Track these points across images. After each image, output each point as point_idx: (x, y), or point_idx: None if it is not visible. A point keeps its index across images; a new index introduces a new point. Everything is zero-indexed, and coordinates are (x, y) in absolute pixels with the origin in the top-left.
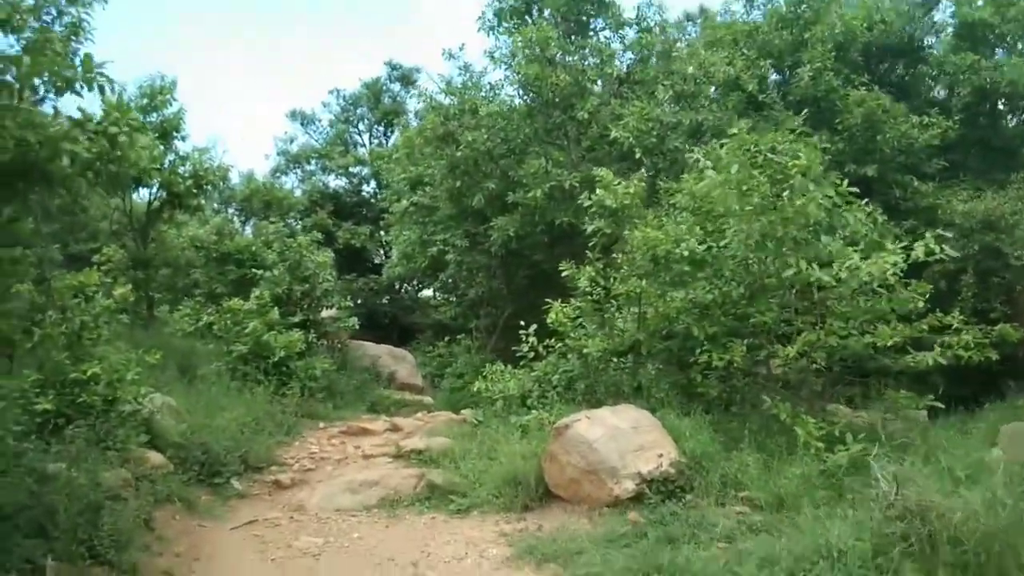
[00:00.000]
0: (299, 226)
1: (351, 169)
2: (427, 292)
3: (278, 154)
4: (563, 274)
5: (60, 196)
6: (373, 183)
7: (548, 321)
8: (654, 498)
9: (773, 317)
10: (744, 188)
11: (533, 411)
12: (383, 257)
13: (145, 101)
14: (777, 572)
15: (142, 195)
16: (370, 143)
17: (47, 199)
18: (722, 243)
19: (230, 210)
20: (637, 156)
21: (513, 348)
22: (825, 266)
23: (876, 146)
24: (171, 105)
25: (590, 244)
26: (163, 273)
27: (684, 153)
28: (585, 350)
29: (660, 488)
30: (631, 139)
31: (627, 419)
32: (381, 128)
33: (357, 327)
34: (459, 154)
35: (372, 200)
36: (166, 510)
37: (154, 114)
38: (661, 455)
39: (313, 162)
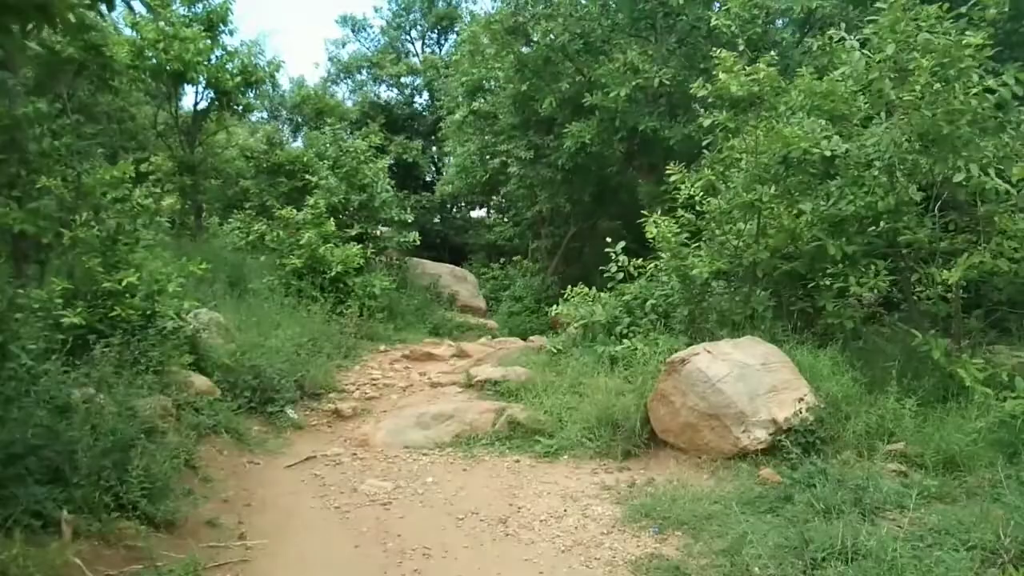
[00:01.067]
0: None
1: (403, 79)
2: (479, 212)
3: (329, 60)
4: (641, 188)
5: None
6: (426, 94)
7: (648, 236)
8: (793, 451)
9: (928, 234)
10: (897, 74)
11: (624, 340)
12: (435, 174)
13: None
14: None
15: (188, 99)
16: (423, 51)
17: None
18: (869, 142)
19: (280, 119)
20: (740, 49)
21: (574, 271)
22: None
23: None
24: None
25: (705, 144)
26: (212, 183)
27: (795, 47)
28: (693, 271)
29: (799, 439)
30: (733, 28)
31: (754, 354)
32: (435, 35)
33: (417, 243)
34: (528, 51)
35: (425, 113)
36: (212, 444)
37: (199, 4)
38: (802, 399)
39: (364, 71)
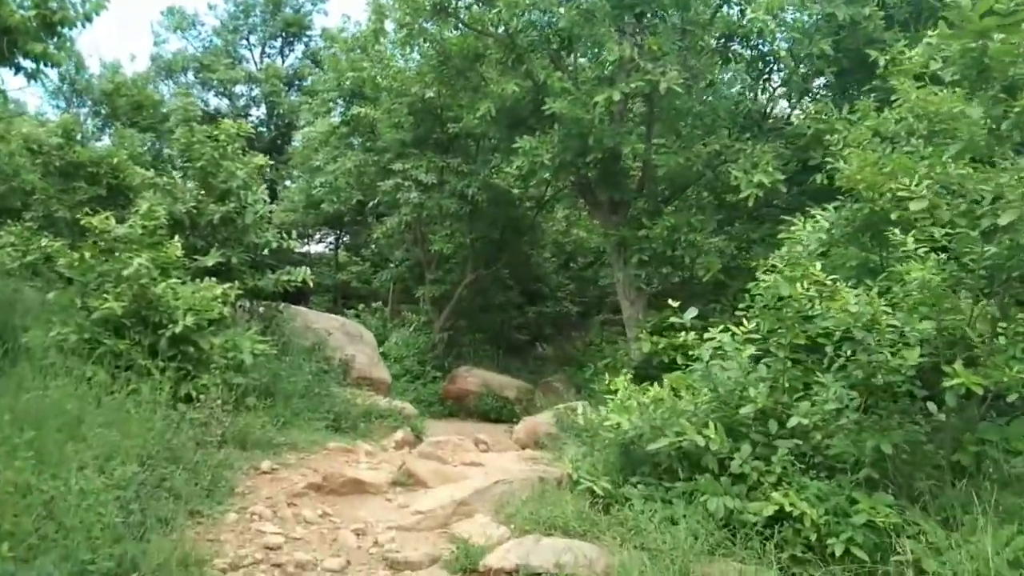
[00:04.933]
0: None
1: (237, 88)
2: (316, 246)
3: (151, 59)
4: (591, 229)
5: None
6: (264, 107)
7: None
8: None
9: None
10: None
11: (760, 490)
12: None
13: None
14: None
15: None
16: (262, 60)
17: None
18: None
19: (83, 109)
20: (780, 54)
21: (470, 327)
22: None
23: None
24: None
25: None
26: None
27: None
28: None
29: None
30: (770, 29)
31: None
32: (277, 43)
33: (310, 283)
34: (454, 37)
35: (262, 129)
36: None
37: None
38: None
39: (191, 73)
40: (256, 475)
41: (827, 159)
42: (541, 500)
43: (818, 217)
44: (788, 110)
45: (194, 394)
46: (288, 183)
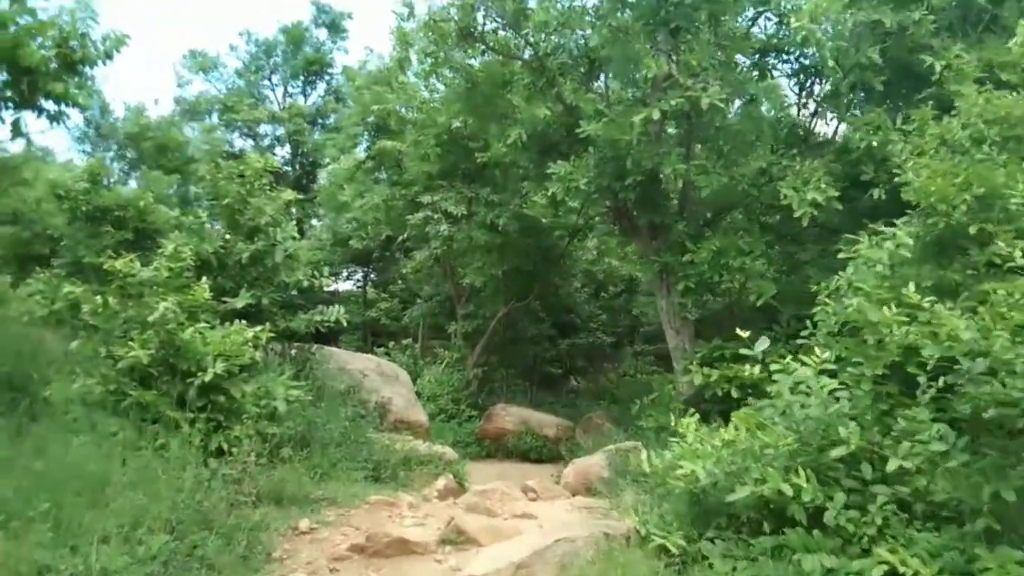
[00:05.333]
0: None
1: (261, 128)
2: (344, 283)
3: (175, 102)
4: (630, 256)
5: None
6: (288, 147)
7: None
8: None
9: None
10: None
11: (876, 547)
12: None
13: None
14: None
15: None
16: (284, 99)
17: None
18: None
19: (109, 153)
20: (829, 64)
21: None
22: None
23: None
24: None
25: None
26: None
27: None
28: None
29: None
30: (817, 38)
31: None
32: (299, 83)
33: (344, 322)
34: (478, 65)
35: (286, 167)
36: None
37: None
38: None
39: (215, 115)
40: (294, 536)
41: (881, 173)
42: (609, 561)
43: (894, 233)
44: (833, 123)
45: (226, 447)
46: (315, 221)
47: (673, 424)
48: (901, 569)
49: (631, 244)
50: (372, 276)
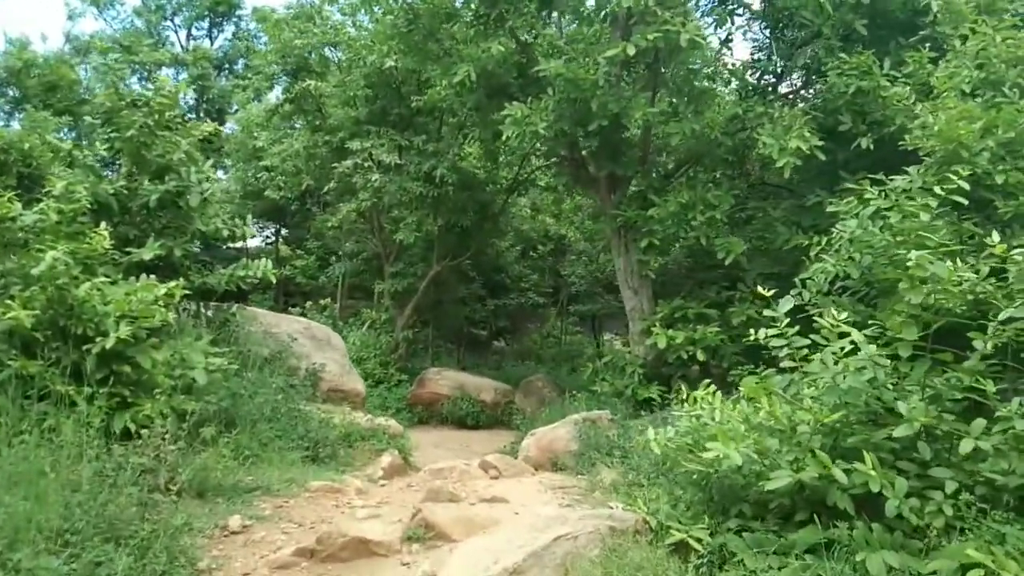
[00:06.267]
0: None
1: (163, 72)
2: (253, 240)
3: (65, 38)
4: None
5: None
6: (192, 93)
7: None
8: None
9: None
10: None
11: (948, 541)
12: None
13: None
14: None
15: None
16: (188, 42)
17: None
18: None
19: None
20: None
21: (434, 324)
22: None
23: None
24: None
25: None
26: None
27: None
28: None
29: None
30: None
31: None
32: (204, 24)
33: (274, 278)
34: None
35: (190, 115)
36: None
37: None
38: None
39: (112, 56)
40: (223, 537)
41: (859, 124)
42: (621, 562)
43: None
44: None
45: (134, 429)
46: (220, 173)
47: (630, 391)
48: (991, 566)
49: (582, 198)
50: (284, 232)
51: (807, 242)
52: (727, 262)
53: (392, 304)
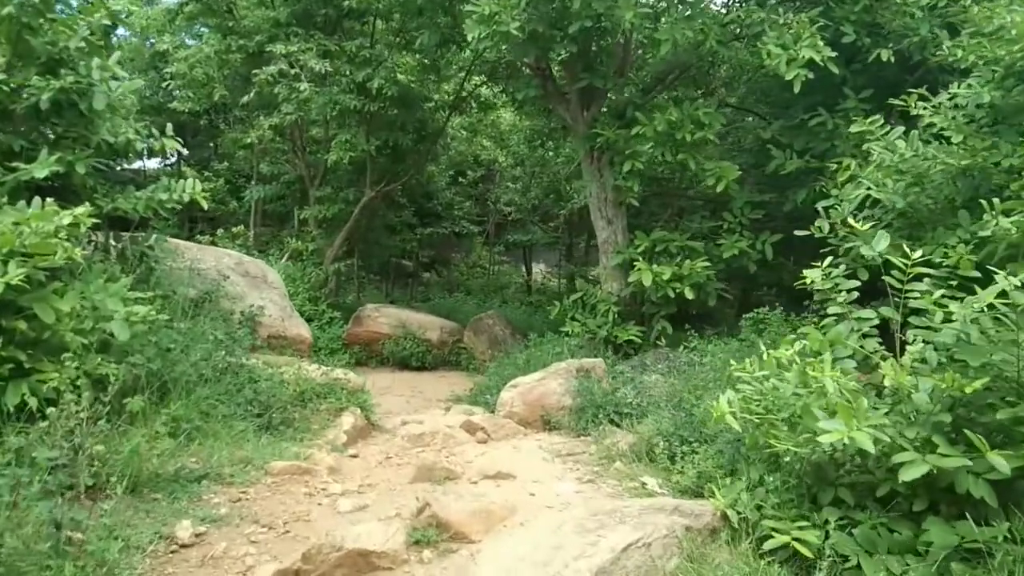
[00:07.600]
0: None
1: None
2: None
3: None
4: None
5: None
6: None
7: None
8: None
9: None
10: None
11: None
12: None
13: None
14: None
15: None
16: None
17: None
18: None
19: None
20: None
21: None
22: None
23: None
24: None
25: None
26: None
27: None
28: None
29: None
30: None
31: None
32: None
33: (205, 202)
34: None
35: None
36: None
37: None
38: None
39: None
40: (170, 555)
41: (863, 37)
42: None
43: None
44: None
45: (35, 405)
46: (113, 82)
47: (604, 332)
48: None
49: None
50: (185, 152)
51: (808, 166)
52: (719, 189)
53: (320, 233)
